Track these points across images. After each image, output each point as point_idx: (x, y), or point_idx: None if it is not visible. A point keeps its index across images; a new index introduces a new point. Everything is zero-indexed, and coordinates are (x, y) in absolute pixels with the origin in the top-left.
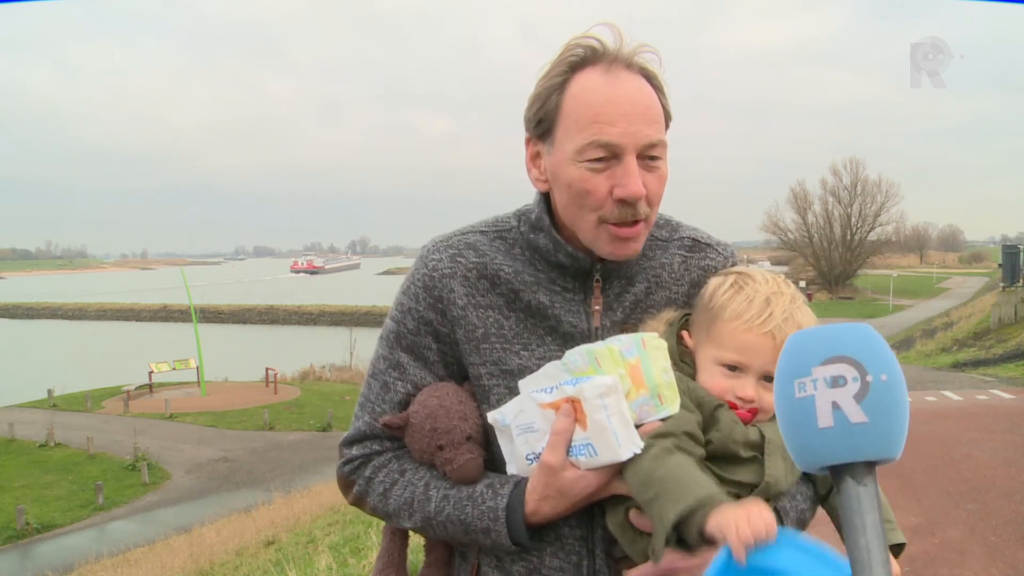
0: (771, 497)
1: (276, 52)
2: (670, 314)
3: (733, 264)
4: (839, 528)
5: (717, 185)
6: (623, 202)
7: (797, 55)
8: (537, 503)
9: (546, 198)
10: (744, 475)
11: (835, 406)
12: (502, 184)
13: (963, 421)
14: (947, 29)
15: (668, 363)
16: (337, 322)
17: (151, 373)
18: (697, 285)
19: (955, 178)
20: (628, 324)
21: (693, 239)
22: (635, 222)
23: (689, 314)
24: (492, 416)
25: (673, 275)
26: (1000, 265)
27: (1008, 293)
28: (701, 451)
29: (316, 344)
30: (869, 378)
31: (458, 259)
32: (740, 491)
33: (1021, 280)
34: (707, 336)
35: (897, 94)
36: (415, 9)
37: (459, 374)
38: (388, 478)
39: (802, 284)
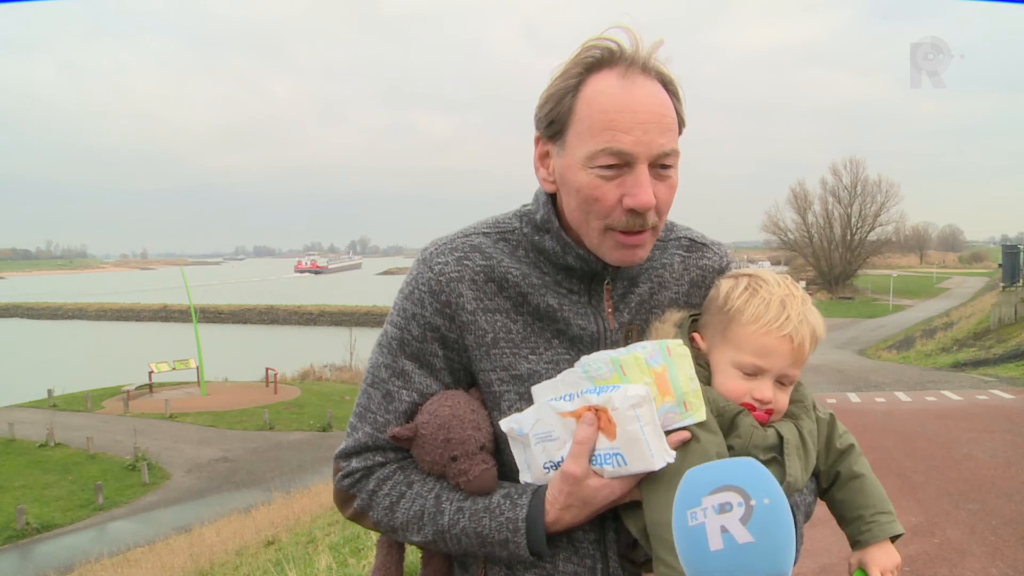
0: (788, 495)
1: (279, 52)
2: (675, 315)
3: (728, 263)
4: (839, 521)
5: (717, 185)
6: (632, 211)
7: (797, 55)
8: (559, 513)
9: (551, 199)
10: None
11: (723, 529)
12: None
13: (963, 421)
14: (947, 29)
15: (693, 370)
16: (337, 322)
17: (151, 373)
18: (696, 284)
19: (955, 178)
20: (633, 325)
21: (690, 239)
22: (642, 230)
23: (696, 315)
24: (507, 424)
25: (674, 275)
26: (1000, 265)
27: (1008, 293)
28: None
29: (316, 344)
30: (753, 502)
31: (465, 262)
32: None
33: (1021, 280)
34: (723, 339)
35: (897, 94)
36: (419, 10)
37: (465, 381)
38: (394, 491)
39: (802, 284)
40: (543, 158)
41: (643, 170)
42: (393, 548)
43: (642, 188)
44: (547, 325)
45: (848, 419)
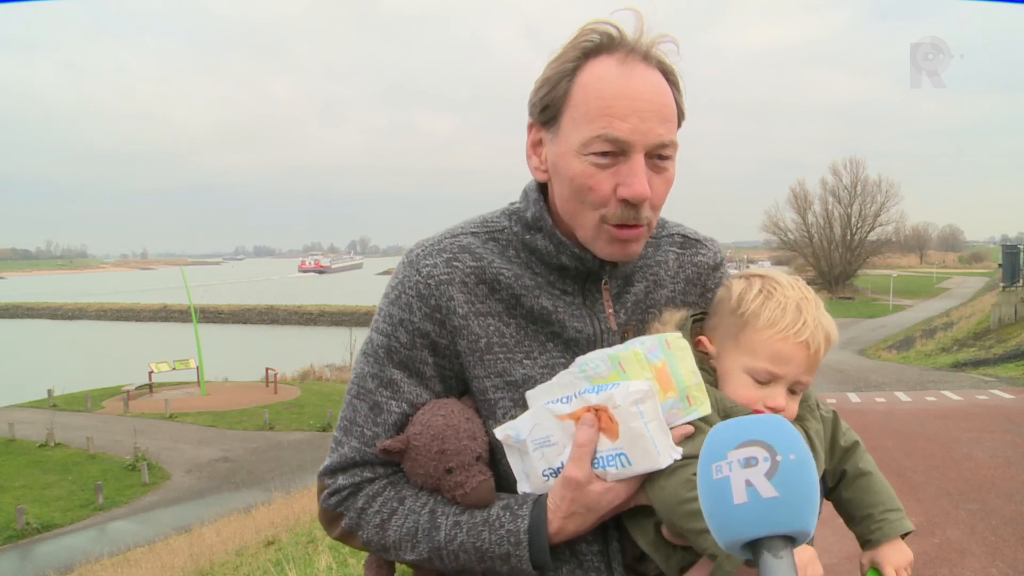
0: None
1: (280, 52)
2: (676, 315)
3: (722, 259)
4: (846, 521)
5: (717, 185)
6: (626, 203)
7: (797, 55)
8: (562, 521)
9: (543, 195)
10: None
11: (748, 483)
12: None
13: (963, 421)
14: (947, 29)
15: (694, 363)
16: (337, 322)
17: (151, 373)
18: (692, 282)
19: (955, 178)
20: (629, 325)
21: (683, 235)
22: (636, 225)
23: (698, 315)
24: (503, 432)
25: (669, 272)
26: (1000, 265)
27: (1008, 293)
28: None
29: (316, 344)
30: (779, 458)
31: (454, 263)
32: None
33: (1021, 280)
34: (736, 344)
35: (897, 94)
36: (419, 10)
37: (456, 389)
38: (385, 507)
39: None
40: (535, 146)
41: (639, 159)
42: (383, 568)
43: (637, 178)
44: (541, 328)
45: (848, 419)
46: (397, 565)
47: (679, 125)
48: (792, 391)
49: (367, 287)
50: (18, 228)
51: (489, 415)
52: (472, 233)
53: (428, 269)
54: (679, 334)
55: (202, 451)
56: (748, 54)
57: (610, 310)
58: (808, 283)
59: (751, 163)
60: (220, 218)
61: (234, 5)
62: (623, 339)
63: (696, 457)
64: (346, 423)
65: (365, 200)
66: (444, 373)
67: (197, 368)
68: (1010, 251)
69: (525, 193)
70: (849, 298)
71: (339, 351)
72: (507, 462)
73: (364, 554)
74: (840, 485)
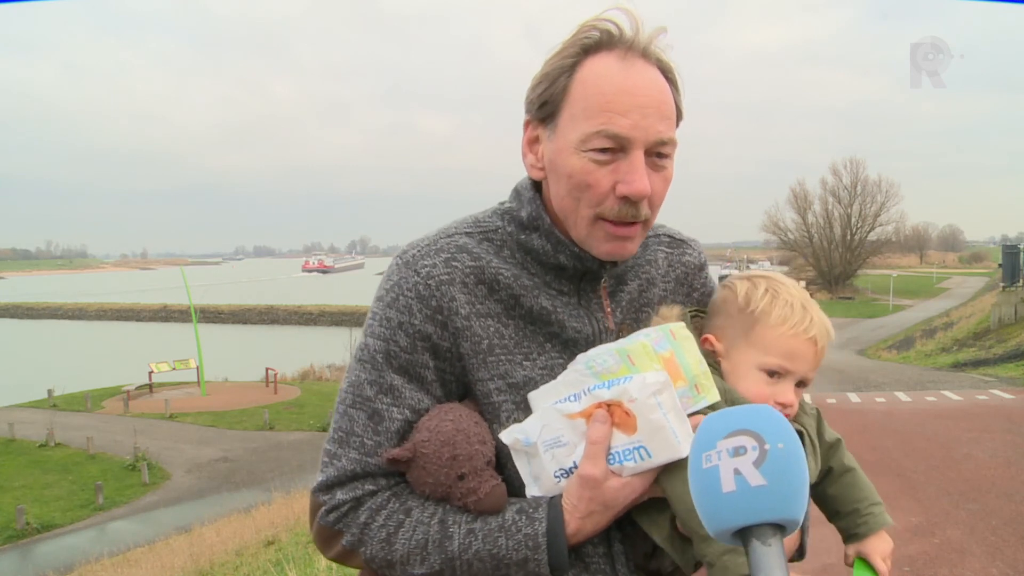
0: None
1: (280, 52)
2: (672, 310)
3: (705, 260)
4: (829, 516)
5: (717, 185)
6: (625, 199)
7: (797, 56)
8: (580, 521)
9: (538, 194)
10: None
11: (736, 472)
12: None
13: (963, 421)
14: (947, 29)
15: (699, 352)
16: (337, 322)
17: (151, 373)
18: (681, 282)
19: (955, 178)
20: (624, 324)
21: (669, 235)
22: (634, 222)
23: (697, 313)
24: (510, 436)
25: (660, 271)
26: (1000, 265)
27: (1008, 293)
28: None
29: (316, 344)
30: (767, 446)
31: (453, 263)
32: None
33: (1021, 280)
34: (746, 341)
35: (897, 94)
36: (420, 10)
37: (457, 393)
38: (391, 520)
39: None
40: (532, 143)
41: (639, 156)
42: None
43: (637, 175)
44: (540, 329)
45: (848, 419)
46: None
47: (677, 125)
48: (798, 387)
49: (368, 287)
50: (18, 228)
51: (493, 418)
52: (466, 233)
53: (427, 269)
54: (682, 324)
55: (202, 451)
56: (748, 54)
57: (608, 309)
58: (808, 283)
59: (751, 163)
60: (220, 218)
61: (235, 5)
62: (620, 338)
63: None
64: (341, 434)
65: (365, 200)
66: (445, 377)
67: (197, 368)
68: (1010, 251)
69: (517, 192)
70: (849, 298)
71: (339, 351)
72: (512, 466)
73: None
74: (825, 481)
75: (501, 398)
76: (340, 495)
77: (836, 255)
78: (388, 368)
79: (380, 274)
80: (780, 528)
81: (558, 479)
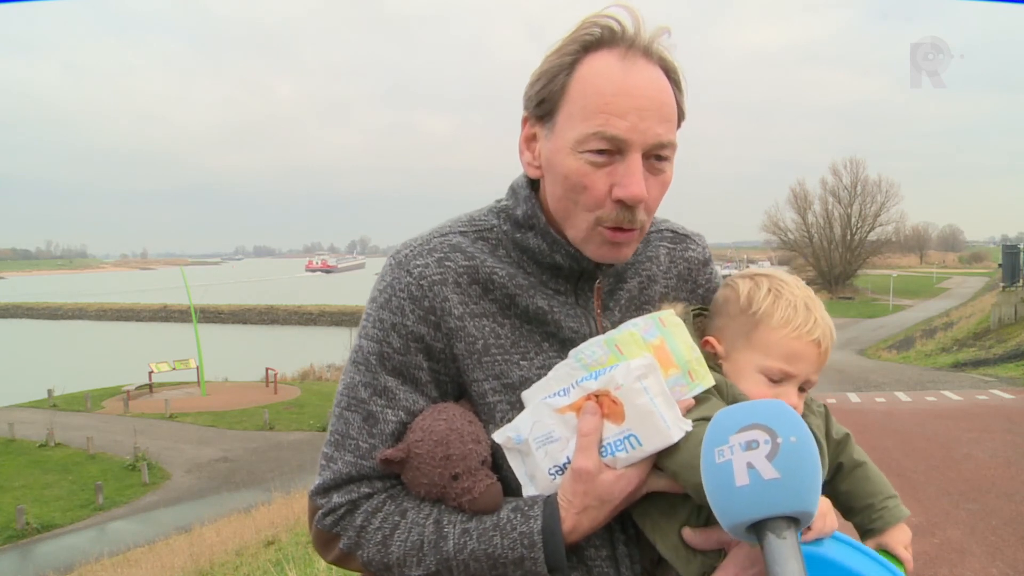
0: None
1: (281, 53)
2: (674, 307)
3: (709, 255)
4: (844, 513)
5: (718, 185)
6: (621, 204)
7: (798, 56)
8: (576, 518)
9: (534, 192)
10: None
11: (749, 466)
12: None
13: (963, 421)
14: (947, 29)
15: (691, 339)
16: (337, 322)
17: (151, 373)
18: (683, 278)
19: (955, 178)
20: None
21: (672, 231)
22: (631, 228)
23: (699, 311)
24: (503, 434)
25: (661, 268)
26: (1000, 265)
27: (1008, 293)
28: None
29: (316, 344)
30: (779, 440)
31: (446, 263)
32: None
33: (1021, 280)
34: (748, 343)
35: (897, 94)
36: (420, 10)
37: (452, 394)
38: (387, 523)
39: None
40: (529, 141)
41: (636, 159)
42: None
43: (634, 178)
44: (536, 328)
45: (848, 419)
46: None
47: (679, 125)
48: (801, 390)
49: (367, 287)
50: (18, 228)
51: (488, 419)
52: (460, 232)
53: (420, 270)
54: (671, 311)
55: (202, 451)
56: (748, 54)
57: (598, 312)
58: (808, 283)
59: (751, 163)
60: (220, 218)
61: (235, 5)
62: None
63: (708, 419)
64: (337, 437)
65: (365, 200)
66: (439, 378)
67: (197, 368)
68: (1010, 251)
69: (513, 190)
70: (849, 298)
71: (339, 351)
72: (508, 467)
73: None
74: (836, 478)
75: (496, 399)
76: (336, 498)
77: (836, 255)
78: (382, 370)
79: (378, 274)
80: (794, 521)
81: (553, 476)
